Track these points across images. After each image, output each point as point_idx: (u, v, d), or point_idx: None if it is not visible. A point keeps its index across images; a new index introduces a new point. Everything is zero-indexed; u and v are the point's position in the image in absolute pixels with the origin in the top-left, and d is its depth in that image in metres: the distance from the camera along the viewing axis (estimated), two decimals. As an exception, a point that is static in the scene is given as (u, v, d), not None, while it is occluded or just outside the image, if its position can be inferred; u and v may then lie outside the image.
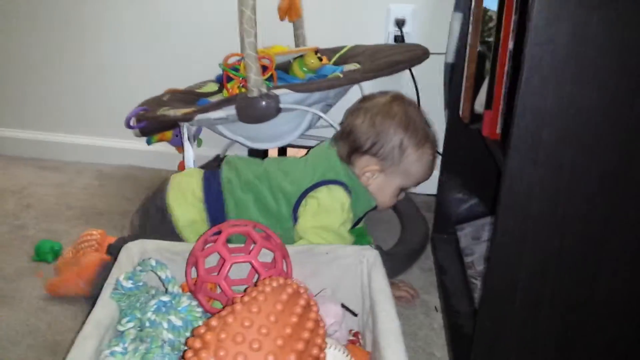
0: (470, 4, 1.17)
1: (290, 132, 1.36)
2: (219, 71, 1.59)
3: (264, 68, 1.39)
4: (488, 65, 1.02)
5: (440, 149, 1.34)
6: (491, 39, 1.01)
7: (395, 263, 1.27)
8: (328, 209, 1.13)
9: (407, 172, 1.18)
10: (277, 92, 1.24)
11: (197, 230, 1.16)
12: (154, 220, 1.20)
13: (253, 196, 1.17)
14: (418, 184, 1.22)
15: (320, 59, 1.48)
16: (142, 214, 1.24)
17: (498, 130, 0.97)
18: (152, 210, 1.22)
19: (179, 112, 1.33)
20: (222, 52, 1.50)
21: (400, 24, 1.64)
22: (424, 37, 1.62)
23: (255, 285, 0.73)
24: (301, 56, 1.51)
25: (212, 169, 1.28)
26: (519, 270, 0.81)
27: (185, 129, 1.35)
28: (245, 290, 0.74)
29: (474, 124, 1.08)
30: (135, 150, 1.87)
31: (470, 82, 1.08)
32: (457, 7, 1.51)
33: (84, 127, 1.93)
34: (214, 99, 1.53)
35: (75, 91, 1.89)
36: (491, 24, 1.00)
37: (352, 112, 1.22)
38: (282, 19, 1.54)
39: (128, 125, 1.41)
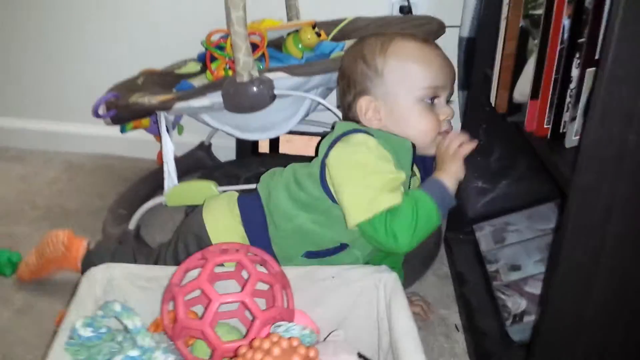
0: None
1: (285, 120, 1.17)
2: (202, 48, 1.39)
3: (254, 46, 1.19)
4: (532, 43, 0.84)
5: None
6: (537, 12, 0.82)
7: (407, 271, 1.10)
8: (352, 159, 0.85)
9: (402, 77, 0.88)
10: (270, 75, 1.05)
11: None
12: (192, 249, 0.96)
13: (287, 194, 0.93)
14: (434, 83, 0.88)
15: (319, 35, 1.28)
16: (174, 248, 1.00)
17: (546, 125, 0.79)
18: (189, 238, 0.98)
19: (155, 99, 1.13)
20: (206, 27, 1.30)
21: (406, -8, 1.45)
22: (434, 7, 1.43)
23: (251, 346, 0.55)
24: (296, 31, 1.30)
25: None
26: (585, 312, 0.64)
27: (163, 117, 1.15)
28: (237, 350, 0.56)
29: (512, 115, 0.89)
30: (109, 137, 1.66)
31: (508, 64, 0.89)
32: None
33: (51, 111, 1.72)
34: (196, 81, 1.33)
35: (40, 71, 1.68)
36: (537, -6, 0.81)
37: None
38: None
39: (96, 114, 1.21)
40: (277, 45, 1.34)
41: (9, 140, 1.73)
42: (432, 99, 0.89)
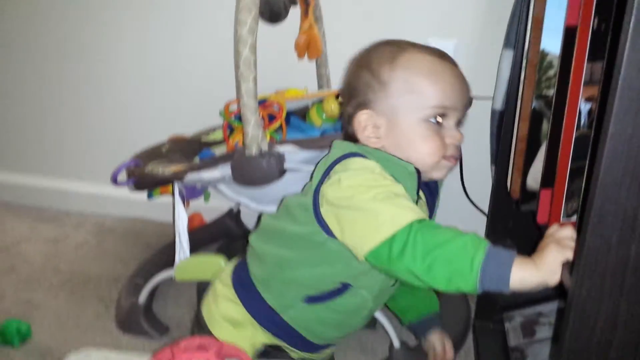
0: (524, 41, 0.92)
1: (302, 192, 1.12)
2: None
3: (272, 117, 1.17)
4: (546, 126, 0.76)
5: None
6: (551, 92, 0.75)
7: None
8: (353, 183, 0.73)
9: (408, 92, 0.77)
10: (281, 149, 1.01)
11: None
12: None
13: (277, 239, 0.87)
14: (442, 103, 0.77)
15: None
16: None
17: (563, 219, 0.71)
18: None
19: (168, 169, 1.12)
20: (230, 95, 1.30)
21: (440, 62, 1.40)
22: (468, 77, 1.37)
23: None
24: (321, 101, 1.28)
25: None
26: None
27: (177, 188, 1.13)
28: None
29: (526, 203, 0.81)
30: (141, 200, 1.67)
31: (521, 147, 0.82)
32: (507, 44, 1.26)
33: (88, 173, 1.75)
34: (218, 150, 1.32)
35: (78, 135, 1.73)
36: (551, 72, 0.74)
37: None
38: (301, 57, 1.32)
39: (115, 181, 1.21)
40: (303, 114, 1.31)
41: (49, 201, 1.77)
42: (440, 119, 0.78)
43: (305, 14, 1.28)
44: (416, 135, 0.78)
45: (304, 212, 0.80)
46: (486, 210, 1.27)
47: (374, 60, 0.81)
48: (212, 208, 1.53)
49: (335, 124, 1.23)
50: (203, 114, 1.46)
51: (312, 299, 0.84)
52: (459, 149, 0.80)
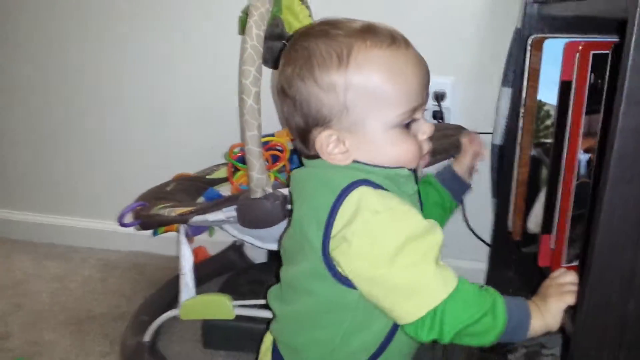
0: (521, 85, 0.95)
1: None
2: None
3: (276, 157, 1.19)
4: (545, 172, 0.79)
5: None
6: (549, 141, 0.77)
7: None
8: (381, 252, 0.65)
9: (372, 104, 0.68)
10: (285, 191, 1.03)
11: None
12: None
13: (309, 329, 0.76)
14: (412, 103, 0.69)
15: (344, 143, 1.27)
16: None
17: (563, 264, 0.73)
18: None
19: (174, 211, 1.14)
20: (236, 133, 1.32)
21: (439, 97, 1.43)
22: (467, 114, 1.40)
23: None
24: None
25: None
26: None
27: (182, 230, 1.15)
28: None
29: (527, 246, 0.83)
30: (145, 234, 1.68)
31: (521, 190, 0.84)
32: (505, 82, 1.29)
33: (94, 210, 1.77)
34: (223, 188, 1.34)
35: (85, 172, 1.75)
36: (548, 121, 0.77)
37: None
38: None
39: (121, 223, 1.23)
40: (304, 152, 1.34)
41: (55, 237, 1.79)
42: (409, 120, 0.70)
43: (306, 54, 1.31)
44: (387, 144, 0.69)
45: (319, 280, 0.70)
46: (487, 239, 1.30)
47: (318, 67, 0.68)
48: (215, 241, 1.55)
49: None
50: (207, 152, 1.48)
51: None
52: (431, 140, 0.73)
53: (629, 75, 0.45)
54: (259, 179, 1.01)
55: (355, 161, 0.70)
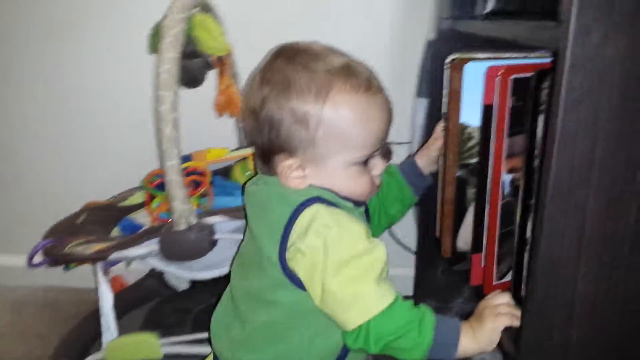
0: (440, 89, 0.96)
1: (231, 258, 1.10)
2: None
3: (197, 183, 1.15)
4: (471, 192, 0.80)
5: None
6: (473, 161, 0.79)
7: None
8: (328, 251, 0.68)
9: (339, 143, 0.71)
10: (210, 220, 1.00)
11: None
12: None
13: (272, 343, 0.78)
14: (373, 148, 0.74)
15: (266, 163, 1.24)
16: None
17: (495, 282, 0.74)
18: None
19: (90, 248, 1.07)
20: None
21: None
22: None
23: None
24: (244, 158, 1.27)
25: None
26: None
27: (100, 267, 1.09)
28: None
29: (458, 263, 0.85)
30: (58, 268, 1.57)
31: (449, 209, 0.85)
32: (420, 93, 1.32)
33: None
34: (140, 216, 1.27)
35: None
36: (470, 143, 0.78)
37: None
38: (220, 115, 1.31)
39: (31, 264, 1.13)
40: (225, 173, 1.30)
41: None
42: (367, 158, 0.74)
43: (222, 73, 1.28)
44: (345, 179, 0.74)
45: (279, 288, 0.73)
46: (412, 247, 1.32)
47: (295, 97, 0.70)
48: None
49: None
50: (119, 177, 1.41)
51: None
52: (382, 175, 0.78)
53: (559, 122, 0.46)
54: (182, 209, 0.97)
55: (310, 185, 0.74)
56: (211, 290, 1.41)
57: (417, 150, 0.96)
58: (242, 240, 0.85)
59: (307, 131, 0.71)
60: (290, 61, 0.73)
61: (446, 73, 0.84)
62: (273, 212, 0.73)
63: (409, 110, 1.30)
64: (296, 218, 0.70)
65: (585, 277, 0.47)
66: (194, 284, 1.50)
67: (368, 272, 0.68)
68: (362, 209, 0.80)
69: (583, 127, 0.45)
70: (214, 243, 1.00)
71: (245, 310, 0.78)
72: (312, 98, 0.70)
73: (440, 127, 0.91)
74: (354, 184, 0.74)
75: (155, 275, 1.53)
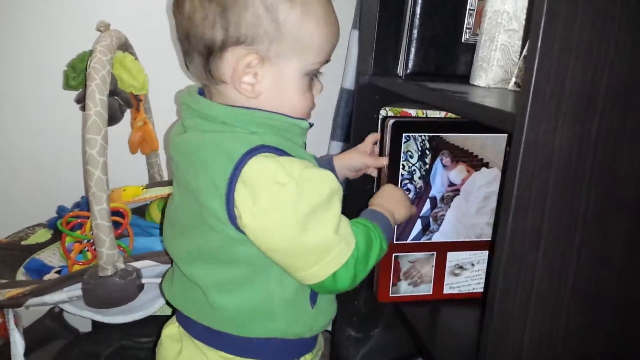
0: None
1: (152, 300, 1.09)
2: (52, 213, 1.29)
3: (117, 224, 1.12)
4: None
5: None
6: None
7: None
8: (286, 210, 0.64)
9: (303, 42, 0.67)
10: (137, 265, 0.98)
11: None
12: None
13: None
14: (326, 57, 0.72)
15: (184, 202, 1.24)
16: None
17: (391, 295, 0.82)
18: None
19: (3, 294, 1.00)
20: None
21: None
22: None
23: None
24: (161, 198, 1.26)
25: None
26: None
27: (12, 314, 1.02)
28: None
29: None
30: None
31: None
32: (335, 136, 1.40)
33: None
34: (46, 255, 1.21)
35: None
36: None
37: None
38: (134, 153, 1.29)
39: None
40: (140, 212, 1.28)
41: None
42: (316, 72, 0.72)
43: (137, 109, 1.26)
44: (295, 90, 0.70)
45: (239, 245, 0.69)
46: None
47: None
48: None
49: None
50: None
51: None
52: None
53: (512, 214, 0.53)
54: (109, 255, 0.95)
55: (256, 109, 0.68)
56: (116, 333, 1.37)
57: (340, 152, 1.00)
58: (175, 195, 0.78)
59: (276, 22, 0.65)
60: None
61: (388, 136, 0.90)
62: (212, 165, 0.66)
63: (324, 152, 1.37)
64: (239, 172, 0.63)
65: (533, 326, 0.55)
66: (96, 324, 1.44)
67: (332, 218, 0.66)
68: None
69: (533, 202, 0.53)
70: (141, 287, 0.99)
71: (202, 275, 0.73)
72: None
73: (371, 139, 0.94)
74: (301, 99, 0.71)
75: (54, 316, 1.45)
